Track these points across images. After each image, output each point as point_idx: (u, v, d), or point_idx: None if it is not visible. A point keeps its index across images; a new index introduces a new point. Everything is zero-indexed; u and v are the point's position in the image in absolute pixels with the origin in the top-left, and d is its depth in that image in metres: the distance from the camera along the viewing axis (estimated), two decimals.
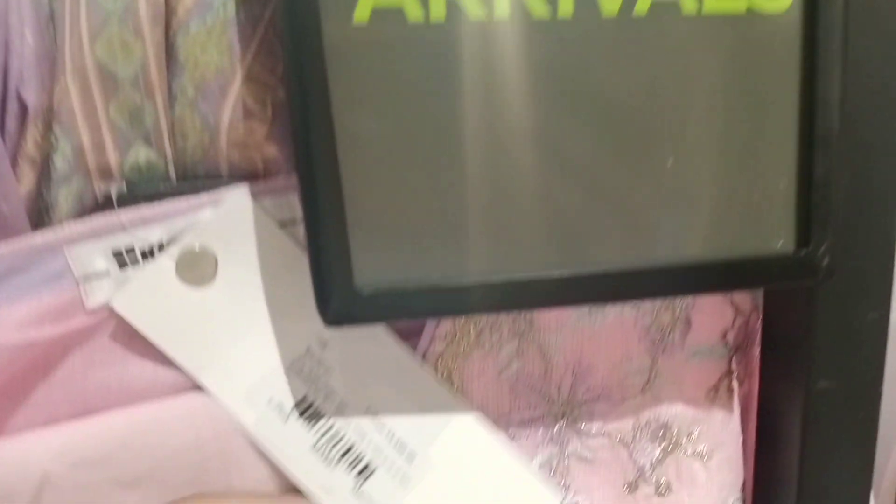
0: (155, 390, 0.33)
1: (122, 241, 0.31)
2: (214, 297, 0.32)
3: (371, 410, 0.33)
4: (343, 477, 0.33)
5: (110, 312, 0.32)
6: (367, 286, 0.29)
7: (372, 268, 0.30)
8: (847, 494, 0.40)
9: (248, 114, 0.31)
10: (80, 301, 0.31)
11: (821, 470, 0.39)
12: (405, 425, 0.33)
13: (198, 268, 0.32)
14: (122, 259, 0.31)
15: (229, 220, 0.32)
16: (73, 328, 0.31)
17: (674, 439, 0.38)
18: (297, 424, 0.33)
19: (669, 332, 0.37)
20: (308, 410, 0.33)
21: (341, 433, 0.33)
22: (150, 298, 0.31)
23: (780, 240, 0.33)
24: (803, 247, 0.33)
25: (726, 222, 0.32)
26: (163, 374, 0.33)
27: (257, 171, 0.32)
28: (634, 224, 0.31)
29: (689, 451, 0.38)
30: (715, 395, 0.38)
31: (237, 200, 0.32)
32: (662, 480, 0.38)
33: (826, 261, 0.33)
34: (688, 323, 0.37)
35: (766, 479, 0.41)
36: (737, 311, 0.38)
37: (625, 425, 0.37)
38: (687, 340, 0.37)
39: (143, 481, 0.32)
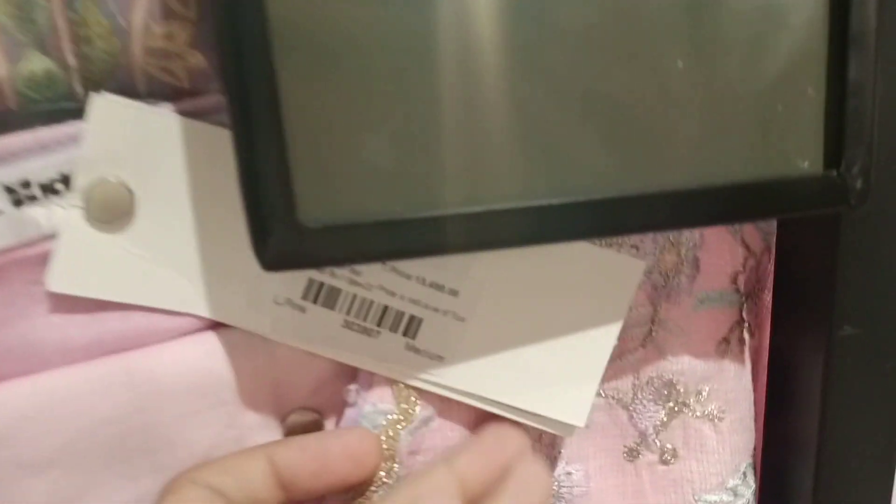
0: (66, 354, 0.27)
1: (15, 173, 0.25)
2: (145, 232, 0.27)
3: (389, 265, 0.28)
4: (391, 341, 0.29)
5: (6, 261, 0.26)
6: (313, 220, 0.24)
7: (319, 198, 0.24)
8: (872, 456, 0.36)
9: (167, 13, 0.25)
10: None
11: (843, 430, 0.35)
12: (432, 266, 0.28)
13: (114, 205, 0.26)
14: (17, 196, 0.25)
15: (145, 144, 0.26)
16: None
17: (680, 399, 0.33)
18: (316, 311, 0.28)
19: (674, 276, 0.32)
20: (321, 293, 0.28)
21: (368, 300, 0.28)
22: (88, 260, 0.27)
23: (805, 159, 0.27)
24: (833, 167, 0.28)
25: (743, 138, 0.27)
26: (74, 334, 0.27)
27: (181, 85, 0.26)
28: (633, 142, 0.26)
29: (698, 413, 0.33)
30: (726, 347, 0.33)
31: (153, 120, 0.26)
32: (668, 446, 0.33)
33: (859, 184, 0.28)
34: (695, 265, 0.32)
35: (779, 443, 0.37)
36: (748, 251, 0.33)
37: (623, 384, 0.32)
38: (694, 285, 0.32)
39: (52, 464, 0.27)
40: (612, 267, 0.29)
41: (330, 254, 0.25)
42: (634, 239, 0.30)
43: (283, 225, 0.24)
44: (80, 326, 0.27)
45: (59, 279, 0.26)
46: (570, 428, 0.30)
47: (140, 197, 0.27)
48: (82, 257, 0.26)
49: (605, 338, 0.30)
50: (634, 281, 0.29)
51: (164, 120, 0.26)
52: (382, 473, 0.29)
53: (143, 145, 0.26)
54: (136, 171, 0.26)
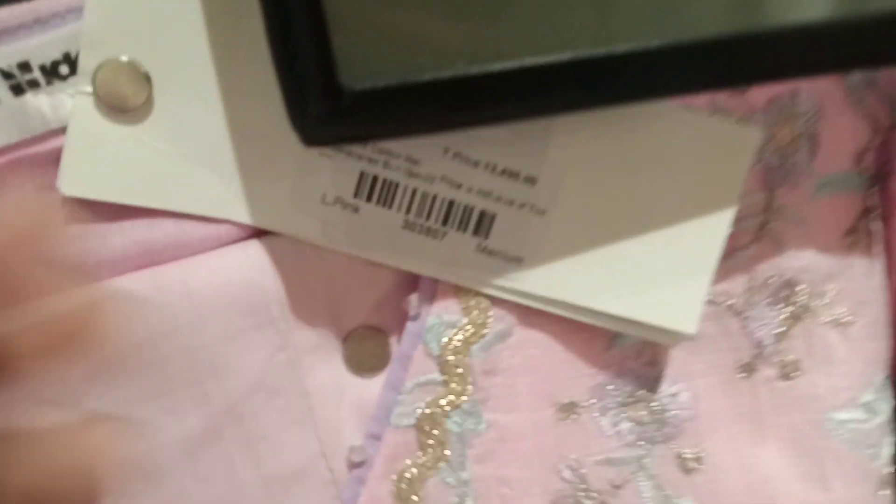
0: (86, 271, 0.23)
1: (11, 54, 0.22)
2: (167, 122, 0.23)
3: (451, 151, 0.24)
4: (459, 242, 0.24)
5: (12, 161, 0.22)
6: (357, 81, 0.20)
7: (362, 55, 0.20)
8: None
9: None
10: None
11: None
12: (502, 150, 0.24)
13: (128, 89, 0.23)
14: (16, 81, 0.22)
15: (160, 12, 0.22)
16: None
17: (802, 302, 0.28)
18: (372, 210, 0.24)
19: (791, 155, 0.27)
20: (375, 188, 0.24)
21: (430, 194, 0.24)
22: (104, 158, 0.23)
23: None
24: None
25: None
26: (95, 246, 0.24)
27: None
28: None
29: (824, 318, 0.28)
30: (853, 240, 0.28)
31: None
32: (789, 358, 0.28)
33: None
34: (814, 142, 0.27)
35: None
36: (874, 126, 0.28)
37: (735, 287, 0.27)
38: (814, 166, 0.27)
39: (80, 399, 0.23)
40: (720, 138, 0.24)
41: (379, 121, 0.20)
42: (743, 108, 0.25)
43: (322, 89, 0.20)
44: (101, 237, 0.24)
45: (73, 181, 0.23)
46: (677, 336, 0.26)
47: (159, 79, 0.23)
48: (97, 154, 0.23)
49: (717, 225, 0.25)
50: (748, 155, 0.25)
51: None
52: (453, 398, 0.25)
53: (159, 14, 0.22)
54: (152, 47, 0.22)
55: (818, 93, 0.27)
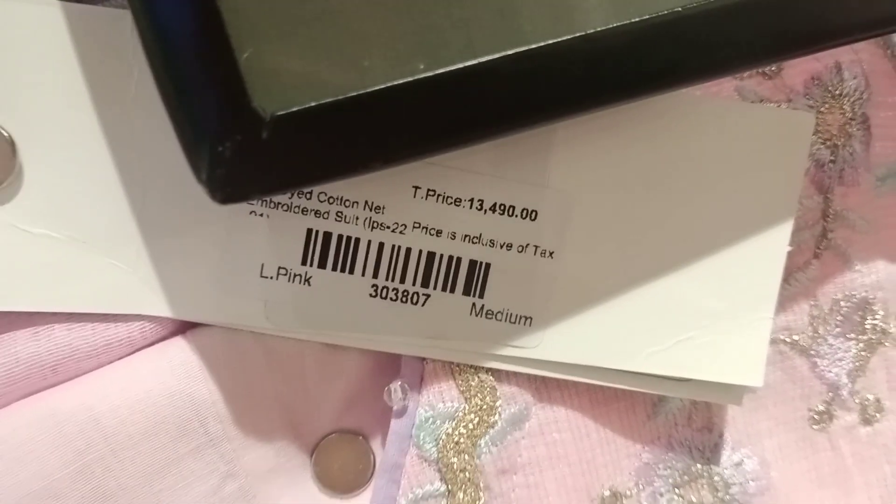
0: None
1: None
2: (42, 198, 0.17)
3: (422, 190, 0.19)
4: (447, 306, 0.19)
5: None
6: (275, 103, 0.14)
7: (276, 73, 0.14)
8: None
9: None
10: None
11: None
12: (489, 181, 0.18)
13: None
14: None
15: (18, 58, 0.16)
16: None
17: (879, 327, 0.22)
18: (328, 279, 0.19)
19: (843, 145, 0.21)
20: (329, 250, 0.19)
21: (402, 248, 0.19)
22: None
23: None
24: None
25: None
26: None
27: None
28: None
29: None
30: None
31: (23, 16, 0.16)
32: (868, 398, 0.22)
33: None
34: (866, 125, 0.21)
35: None
36: None
37: (798, 319, 0.22)
38: (871, 156, 0.22)
39: None
40: (765, 131, 0.19)
41: (311, 155, 0.14)
42: (780, 95, 0.20)
43: (231, 120, 0.14)
44: None
45: None
46: (739, 392, 0.20)
47: (26, 145, 0.17)
48: None
49: (774, 242, 0.19)
50: (804, 146, 0.19)
51: (39, 13, 0.16)
52: None
53: (20, 70, 0.16)
54: (11, 104, 0.16)
55: (863, 66, 0.22)
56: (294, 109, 0.14)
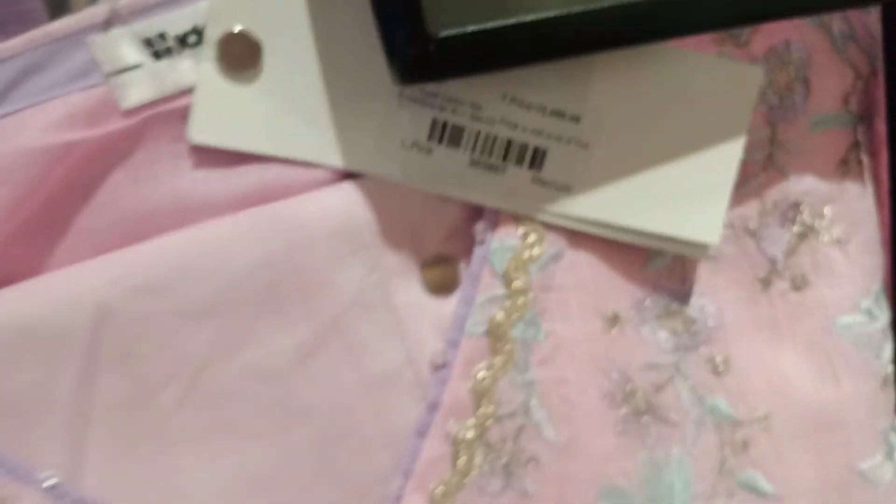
0: (211, 208, 0.28)
1: (152, 26, 0.27)
2: (274, 82, 0.28)
3: (508, 96, 0.29)
4: (517, 176, 0.29)
5: (150, 116, 0.27)
6: (442, 28, 0.25)
7: (445, 8, 0.25)
8: None
9: None
10: (114, 101, 0.27)
11: None
12: (551, 94, 0.29)
13: (243, 55, 0.28)
14: (155, 48, 0.27)
15: None
16: (109, 133, 0.27)
17: (806, 222, 0.33)
18: (442, 152, 0.29)
19: (788, 96, 0.32)
20: (445, 132, 0.29)
21: (491, 135, 0.29)
22: (224, 112, 0.28)
23: None
24: None
25: None
26: (218, 188, 0.28)
27: None
28: None
29: (825, 238, 0.33)
30: (845, 168, 0.33)
31: None
32: (798, 273, 0.33)
33: None
34: (806, 85, 0.32)
35: None
36: (856, 73, 0.33)
37: (749, 211, 0.32)
38: (808, 106, 0.32)
39: (210, 312, 0.28)
40: (731, 76, 0.29)
41: (461, 61, 0.25)
42: (747, 57, 0.31)
43: (413, 36, 0.25)
44: (222, 180, 0.28)
45: (199, 131, 0.28)
46: (703, 249, 0.30)
47: (269, 45, 0.28)
48: (218, 109, 0.28)
49: (731, 151, 0.30)
50: (754, 89, 0.30)
51: None
52: (516, 310, 0.30)
53: None
54: (263, 18, 0.27)
55: (808, 43, 0.32)
56: (454, 32, 0.25)
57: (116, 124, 0.27)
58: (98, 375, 0.27)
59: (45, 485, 0.26)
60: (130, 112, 0.27)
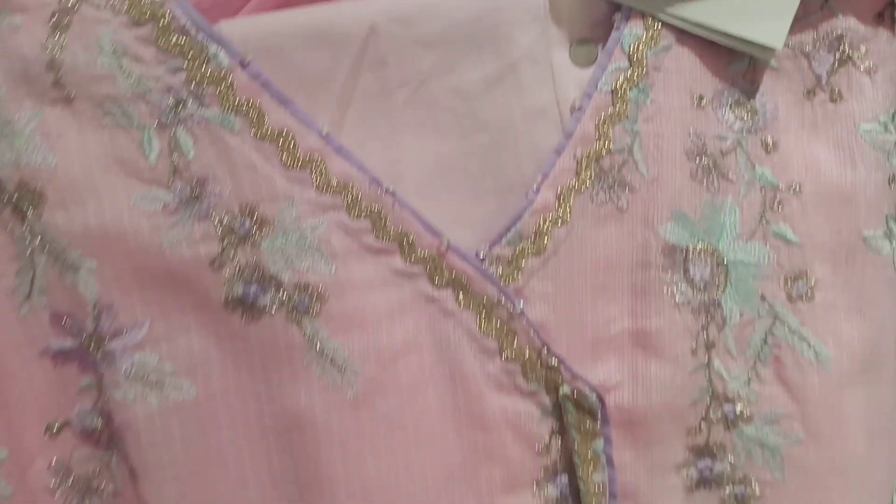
0: None
1: None
2: None
3: None
4: None
5: None
6: None
7: None
8: None
9: None
10: None
11: None
12: None
13: None
14: None
15: None
16: None
17: (846, 52, 0.46)
18: None
19: None
20: None
21: None
22: None
23: None
24: None
25: None
26: None
27: None
28: None
29: (860, 66, 0.46)
30: (881, 19, 0.46)
31: None
32: (836, 89, 0.46)
33: None
34: None
35: None
36: None
37: (806, 38, 0.45)
38: None
39: (436, 44, 0.42)
40: None
41: None
42: None
43: None
44: None
45: None
46: (770, 52, 0.44)
47: None
48: None
49: None
50: None
51: None
52: (634, 79, 0.43)
53: None
54: None
55: None
56: None
57: None
58: (361, 73, 0.42)
59: (322, 131, 0.41)
60: None
